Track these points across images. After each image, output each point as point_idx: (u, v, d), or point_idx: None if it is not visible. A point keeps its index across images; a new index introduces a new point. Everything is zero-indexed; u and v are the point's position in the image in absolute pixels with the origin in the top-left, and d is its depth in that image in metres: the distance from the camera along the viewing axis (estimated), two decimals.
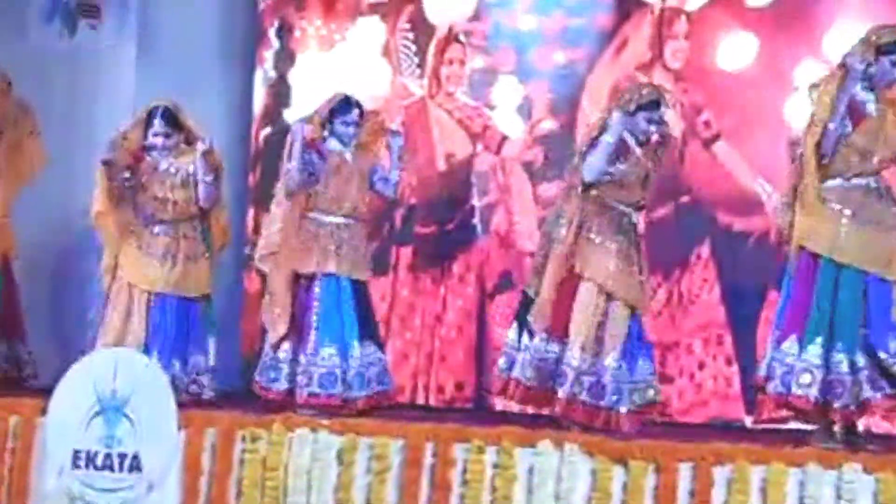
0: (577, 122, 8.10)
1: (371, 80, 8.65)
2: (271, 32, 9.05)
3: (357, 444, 6.22)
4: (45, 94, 8.09)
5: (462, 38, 8.56)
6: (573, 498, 5.92)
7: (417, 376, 8.37)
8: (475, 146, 8.50)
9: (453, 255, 8.47)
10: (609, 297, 6.49)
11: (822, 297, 5.99)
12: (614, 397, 6.40)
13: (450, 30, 8.59)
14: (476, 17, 8.53)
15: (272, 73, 9.03)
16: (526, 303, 6.71)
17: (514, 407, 7.05)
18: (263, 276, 7.31)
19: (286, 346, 6.97)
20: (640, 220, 6.74)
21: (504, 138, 8.43)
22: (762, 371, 6.16)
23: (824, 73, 6.25)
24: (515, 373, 6.62)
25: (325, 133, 7.10)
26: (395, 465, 6.18)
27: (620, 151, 6.57)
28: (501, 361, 6.75)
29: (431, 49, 8.62)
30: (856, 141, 6.01)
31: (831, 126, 5.94)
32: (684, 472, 5.79)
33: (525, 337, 6.63)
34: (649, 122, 6.61)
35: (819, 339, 5.96)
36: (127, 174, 7.28)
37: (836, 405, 5.92)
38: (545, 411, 6.66)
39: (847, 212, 6.01)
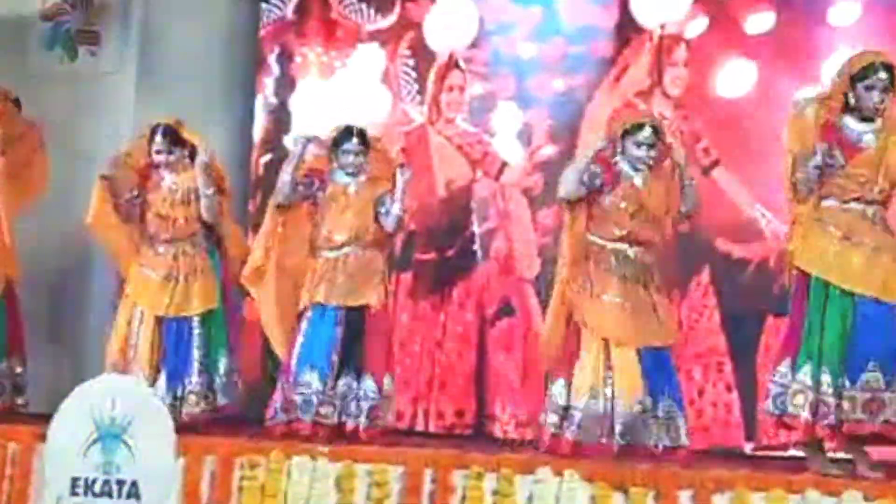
0: (577, 149, 8.11)
1: (371, 107, 8.68)
2: (272, 59, 9.08)
3: (356, 471, 6.19)
4: (46, 119, 8.09)
5: (462, 64, 8.59)
6: None
7: (417, 402, 8.36)
8: (475, 172, 8.52)
9: (453, 281, 8.48)
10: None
11: (813, 318, 6.00)
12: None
13: (450, 56, 8.62)
14: (476, 44, 8.57)
15: (272, 100, 9.06)
16: None
17: (513, 433, 7.03)
18: None
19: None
20: (641, 253, 6.58)
21: (504, 165, 8.45)
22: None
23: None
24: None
25: (334, 165, 7.12)
26: (394, 492, 6.15)
27: (608, 180, 6.53)
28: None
29: (432, 76, 8.65)
30: (853, 172, 6.01)
31: (798, 157, 6.02)
32: (684, 499, 5.76)
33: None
34: (638, 145, 6.55)
35: (810, 360, 5.97)
36: (134, 192, 7.32)
37: (825, 425, 5.92)
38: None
39: (838, 233, 6.01)
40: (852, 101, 6.02)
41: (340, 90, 8.84)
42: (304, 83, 8.97)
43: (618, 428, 6.35)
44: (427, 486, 6.11)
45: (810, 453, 6.09)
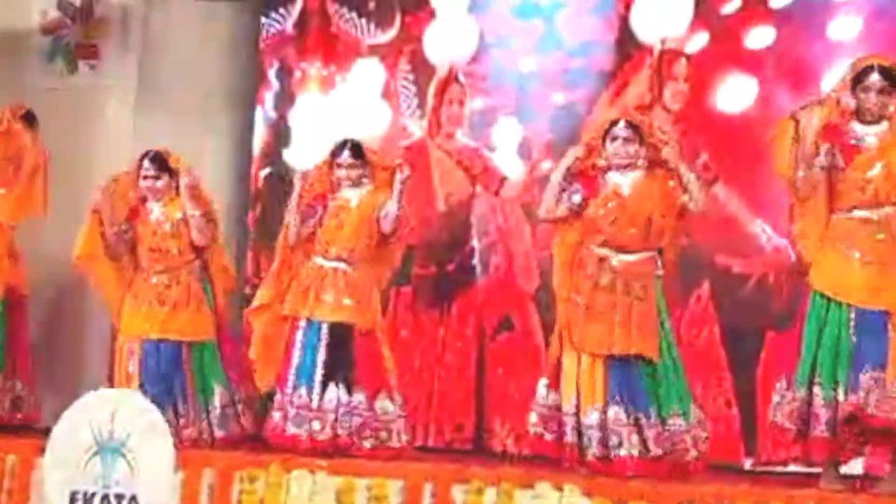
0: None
1: (371, 121, 8.69)
2: (271, 73, 9.09)
3: (355, 485, 6.19)
4: (45, 132, 8.10)
5: (462, 78, 8.59)
6: None
7: (416, 417, 8.35)
8: (475, 187, 8.51)
9: (452, 296, 8.47)
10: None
11: (811, 331, 5.99)
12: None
13: (450, 71, 8.63)
14: (476, 58, 8.57)
15: (272, 114, 9.06)
16: None
17: (513, 448, 7.01)
18: None
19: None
20: (629, 261, 6.40)
21: (504, 179, 8.44)
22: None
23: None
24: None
25: (333, 179, 7.13)
26: None
27: (590, 193, 6.48)
28: None
29: (431, 90, 8.65)
30: (852, 175, 6.00)
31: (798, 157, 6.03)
32: None
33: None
34: (613, 139, 6.41)
35: (807, 372, 5.95)
36: (123, 227, 7.31)
37: (815, 438, 5.90)
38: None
39: (840, 245, 6.00)
40: (853, 104, 6.02)
41: (340, 104, 8.85)
42: (304, 97, 8.98)
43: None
44: (427, 501, 6.10)
45: (825, 469, 6.06)
